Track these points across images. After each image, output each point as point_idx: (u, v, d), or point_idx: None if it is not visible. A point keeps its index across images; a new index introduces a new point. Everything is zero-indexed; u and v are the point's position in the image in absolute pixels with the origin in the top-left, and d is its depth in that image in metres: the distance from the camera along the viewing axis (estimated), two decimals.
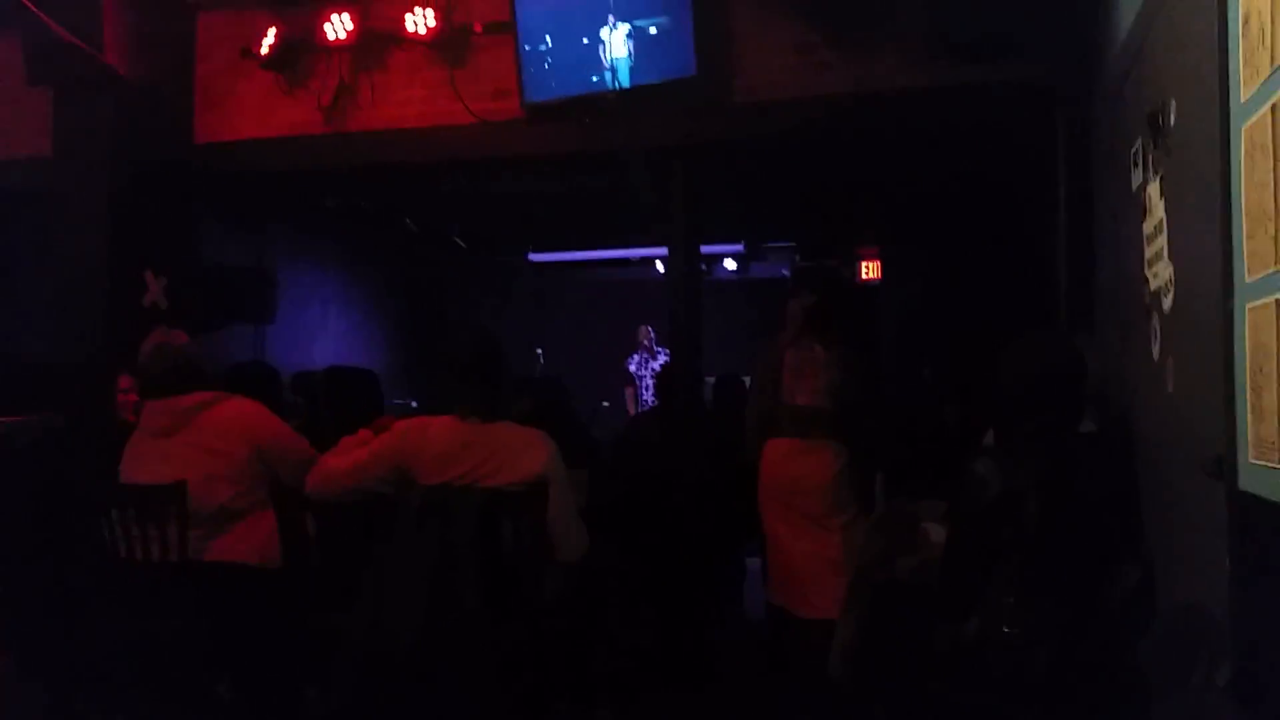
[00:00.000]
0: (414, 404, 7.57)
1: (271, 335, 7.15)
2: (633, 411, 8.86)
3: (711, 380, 5.68)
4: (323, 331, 8.32)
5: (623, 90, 4.61)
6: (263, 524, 3.28)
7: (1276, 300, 1.48)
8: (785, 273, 9.98)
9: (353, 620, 2.82)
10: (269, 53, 4.98)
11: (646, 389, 8.93)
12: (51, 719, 2.96)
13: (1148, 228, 2.64)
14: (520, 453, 2.93)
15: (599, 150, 4.90)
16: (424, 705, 2.71)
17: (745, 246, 9.61)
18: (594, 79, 4.65)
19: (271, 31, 4.96)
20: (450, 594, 2.70)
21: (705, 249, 9.20)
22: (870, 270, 8.53)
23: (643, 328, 9.11)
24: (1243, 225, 1.63)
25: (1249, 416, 1.60)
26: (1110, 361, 3.15)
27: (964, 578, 2.38)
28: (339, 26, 4.91)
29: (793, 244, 9.58)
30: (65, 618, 3.05)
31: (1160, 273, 2.47)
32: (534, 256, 9.71)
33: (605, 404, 9.26)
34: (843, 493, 3.78)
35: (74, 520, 3.22)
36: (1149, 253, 2.62)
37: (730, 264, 9.97)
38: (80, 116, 4.81)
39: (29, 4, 4.32)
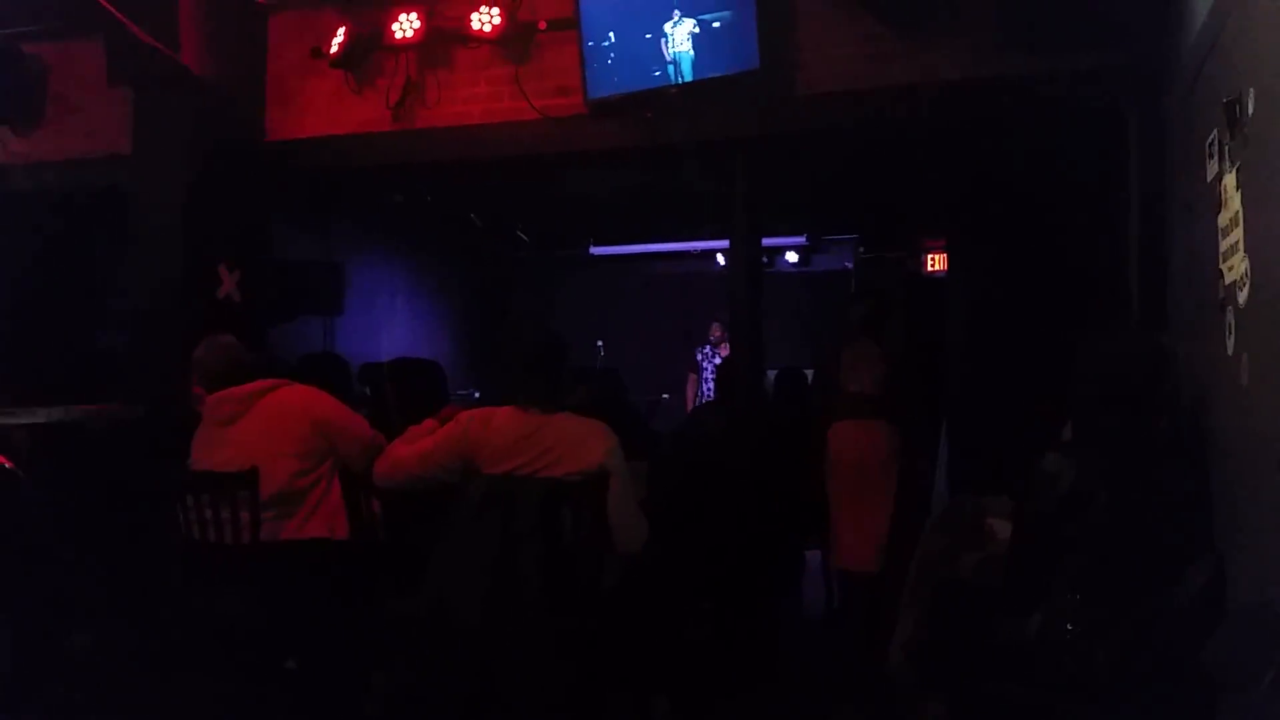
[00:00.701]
0: (477, 395, 7.68)
1: (341, 327, 7.31)
2: (692, 403, 8.90)
3: (773, 373, 5.66)
4: (390, 324, 8.47)
5: (685, 84, 4.61)
6: (329, 500, 3.39)
7: None
8: (848, 265, 9.91)
9: (416, 605, 2.88)
10: (338, 52, 5.07)
11: (707, 381, 9.00)
12: (127, 695, 3.07)
13: (1223, 220, 2.57)
14: (581, 444, 2.97)
15: (661, 145, 4.91)
16: (484, 691, 2.76)
17: (808, 239, 9.56)
18: (656, 73, 4.66)
19: (341, 31, 5.05)
20: (511, 582, 2.75)
21: (767, 241, 9.20)
22: (936, 263, 8.42)
23: (715, 323, 9.16)
24: None
25: None
26: (1182, 357, 3.07)
27: (1029, 574, 2.35)
28: (406, 25, 4.98)
29: (856, 236, 9.51)
30: (141, 599, 3.16)
31: (1236, 266, 2.41)
32: (595, 250, 9.77)
33: (666, 396, 9.30)
34: (892, 463, 4.51)
35: (150, 505, 3.33)
36: (1224, 245, 2.56)
37: (792, 256, 9.92)
38: (157, 115, 4.95)
39: (109, 6, 4.46)
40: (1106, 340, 2.54)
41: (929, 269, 8.45)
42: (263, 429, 3.35)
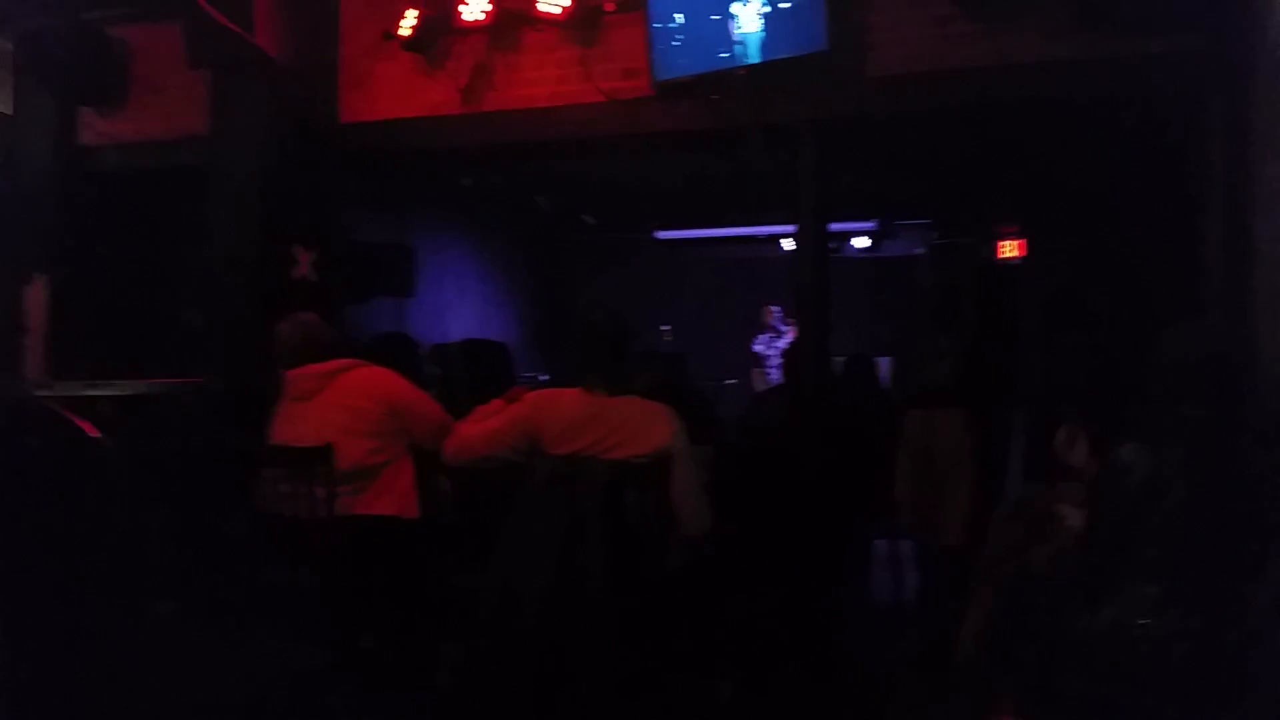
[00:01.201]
0: (543, 377, 7.74)
1: (411, 309, 7.42)
2: (759, 389, 8.82)
3: (841, 359, 5.61)
4: (459, 306, 8.58)
5: (753, 66, 4.58)
6: (402, 478, 3.46)
7: None
8: (919, 251, 9.76)
9: (484, 582, 2.93)
10: (409, 34, 5.12)
11: (773, 369, 8.86)
12: (206, 663, 3.17)
13: None
14: (646, 426, 2.98)
15: (727, 127, 4.88)
16: (550, 668, 2.80)
17: (878, 224, 9.43)
18: (723, 55, 4.63)
19: (411, 14, 5.10)
20: (575, 562, 2.78)
21: (836, 226, 9.08)
22: (1009, 249, 8.25)
23: (766, 307, 9.04)
24: None
25: None
26: (1264, 345, 2.98)
27: (1102, 566, 2.30)
28: (476, 8, 5.01)
29: (928, 222, 9.36)
30: (220, 570, 3.26)
31: None
32: (661, 234, 9.75)
33: (732, 381, 9.26)
34: (968, 452, 4.72)
35: (230, 478, 3.44)
36: None
37: (862, 241, 9.79)
38: (234, 97, 5.07)
39: None
40: (1185, 328, 2.47)
41: (1002, 255, 8.29)
42: (338, 407, 3.44)
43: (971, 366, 4.76)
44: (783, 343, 8.72)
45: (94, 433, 1.89)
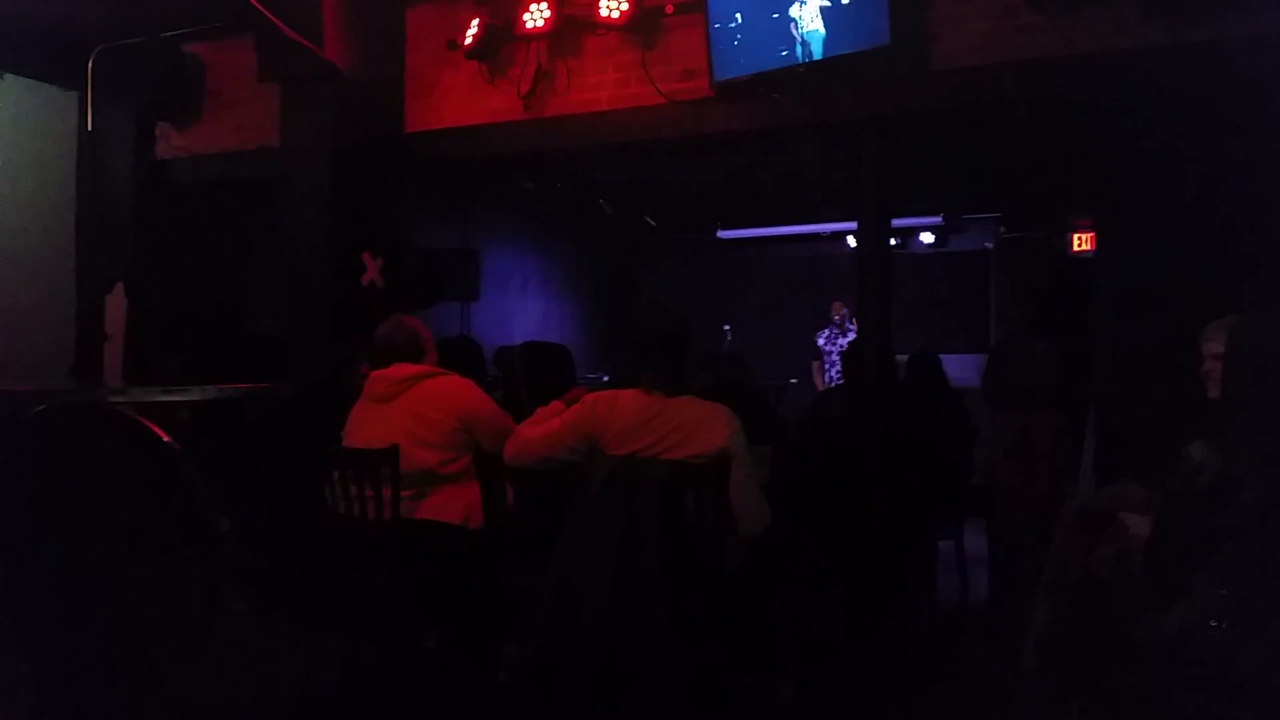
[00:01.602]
0: (605, 378, 7.79)
1: (476, 312, 7.54)
2: (820, 387, 8.74)
3: (904, 358, 5.54)
4: (522, 308, 8.68)
5: (813, 63, 4.54)
6: (468, 491, 3.51)
7: None
8: (988, 245, 9.58)
9: (544, 583, 2.96)
10: (472, 43, 5.20)
11: (833, 365, 8.75)
12: (278, 660, 3.25)
13: None
14: (703, 426, 2.98)
15: (789, 125, 4.85)
16: (609, 669, 2.81)
17: (944, 218, 9.29)
18: (784, 53, 4.61)
19: (475, 23, 5.18)
20: (634, 562, 2.79)
21: (901, 222, 8.98)
22: (1082, 242, 8.06)
23: (836, 302, 8.95)
24: None
25: None
26: None
27: (1171, 566, 2.24)
28: (537, 15, 5.07)
29: (997, 215, 9.19)
30: (292, 569, 3.35)
31: None
32: (723, 233, 9.73)
33: (794, 381, 9.19)
34: (1057, 445, 5.06)
35: (300, 480, 3.53)
36: None
37: (927, 237, 9.65)
38: (304, 109, 5.20)
39: (259, 6, 4.70)
40: (1258, 319, 2.38)
41: (1076, 249, 8.11)
42: (411, 415, 3.49)
43: (1068, 370, 5.11)
44: (845, 340, 8.62)
45: (165, 438, 1.96)
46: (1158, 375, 4.90)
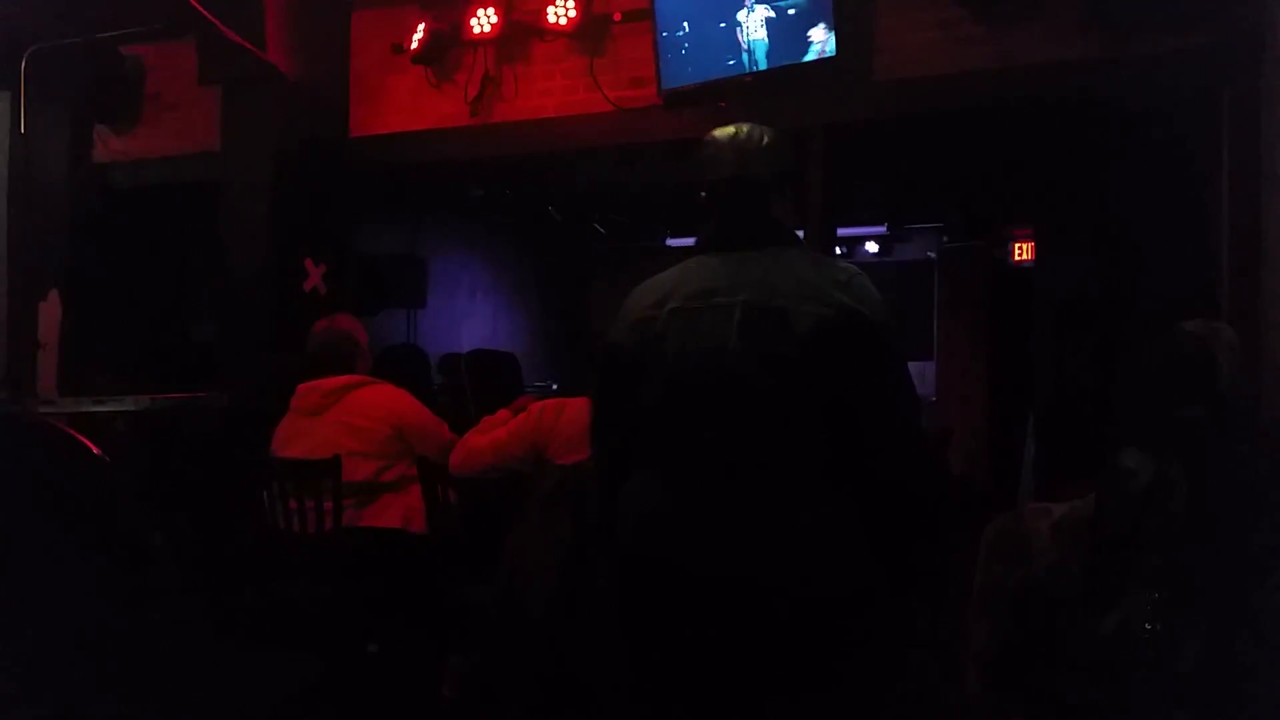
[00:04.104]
0: (554, 386, 7.75)
1: (422, 319, 7.46)
2: None
3: None
4: (470, 316, 8.61)
5: (760, 72, 4.58)
6: (408, 496, 3.46)
7: None
8: (931, 255, 9.72)
9: (489, 593, 2.93)
10: (418, 48, 5.16)
11: None
12: (209, 674, 3.18)
13: None
14: None
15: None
16: (554, 681, 2.79)
17: (888, 228, 9.40)
18: (731, 62, 4.63)
19: (421, 27, 5.14)
20: (581, 572, 2.78)
21: (846, 231, 9.07)
22: (1023, 251, 8.20)
23: None
24: None
25: None
26: (1270, 347, 2.95)
27: (1105, 572, 2.28)
28: (484, 20, 5.04)
29: (940, 225, 9.32)
30: (224, 582, 3.28)
31: None
32: (671, 241, 9.74)
33: None
34: None
35: (236, 492, 3.45)
36: None
37: (872, 246, 9.76)
38: (246, 113, 5.12)
39: (200, 8, 4.62)
40: (1178, 327, 2.44)
41: (1016, 258, 8.25)
42: (344, 426, 3.44)
43: None
44: None
45: (94, 449, 1.91)
46: (1096, 383, 5.01)
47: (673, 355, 1.88)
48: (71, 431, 1.93)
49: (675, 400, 1.86)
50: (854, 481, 1.77)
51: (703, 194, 2.06)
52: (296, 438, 3.49)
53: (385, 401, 3.51)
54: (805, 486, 1.76)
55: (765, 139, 2.04)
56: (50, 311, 5.52)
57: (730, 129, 2.04)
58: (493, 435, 3.16)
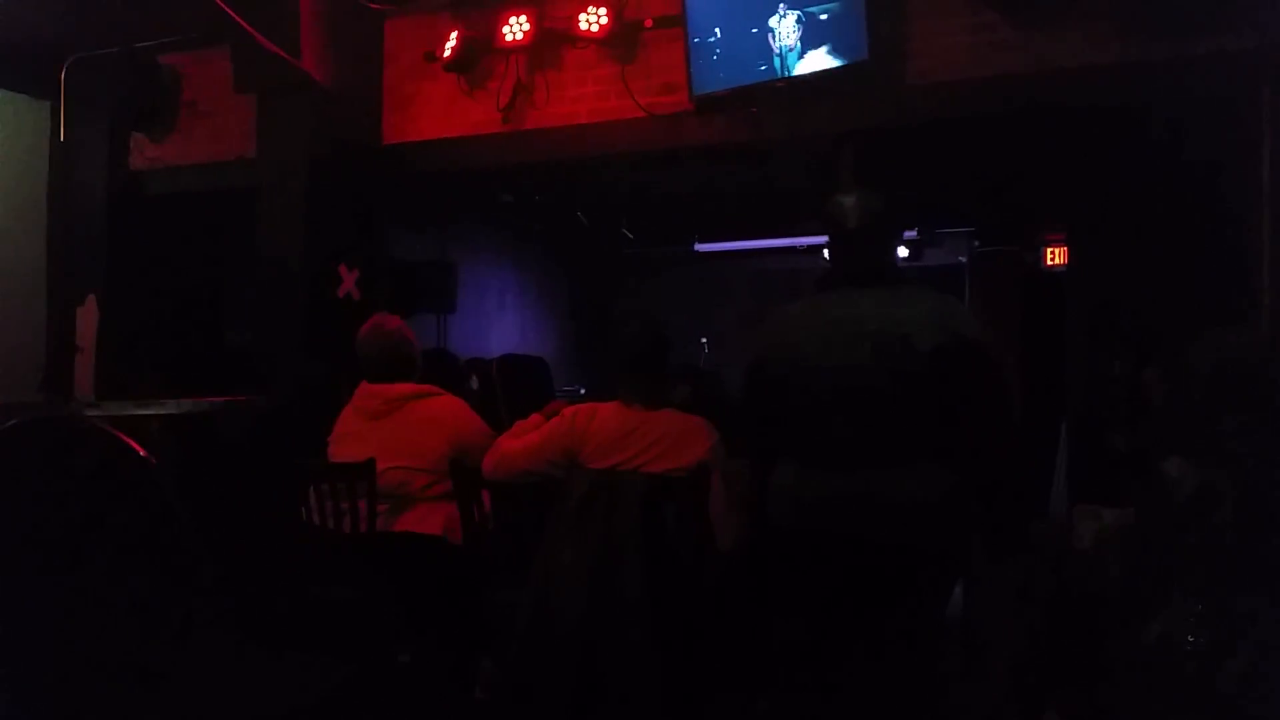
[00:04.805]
0: (582, 390, 7.77)
1: (453, 324, 7.49)
2: None
3: None
4: (499, 321, 8.65)
5: (791, 78, 4.57)
6: (448, 507, 3.46)
7: None
8: (962, 259, 9.66)
9: (521, 597, 2.94)
10: (450, 55, 5.19)
11: None
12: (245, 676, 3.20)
13: None
14: (684, 440, 2.98)
15: (768, 139, 4.87)
16: (587, 685, 2.79)
17: (919, 232, 9.35)
18: (762, 68, 4.63)
19: (453, 35, 5.17)
20: (614, 576, 2.78)
21: None
22: (1055, 256, 8.13)
23: None
24: None
25: None
26: None
27: (1148, 581, 2.26)
28: (516, 28, 5.06)
29: (971, 229, 9.25)
30: (263, 585, 3.30)
31: None
32: (700, 247, 9.74)
33: None
34: None
35: (275, 495, 3.48)
36: None
37: (902, 251, 9.70)
38: (280, 120, 5.17)
39: (236, 17, 4.68)
40: (1225, 337, 2.41)
41: (1049, 263, 8.17)
42: (403, 435, 3.43)
43: None
44: None
45: (141, 451, 1.93)
46: (1130, 391, 4.94)
47: (815, 371, 2.46)
48: (118, 434, 1.96)
49: (818, 407, 2.45)
50: (961, 467, 2.34)
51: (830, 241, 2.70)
52: (352, 438, 3.50)
53: (448, 418, 3.50)
54: (922, 471, 2.34)
55: (883, 201, 2.58)
56: (88, 316, 5.60)
57: (853, 193, 2.62)
58: (526, 440, 3.16)
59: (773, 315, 2.66)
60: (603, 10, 4.88)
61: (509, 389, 4.22)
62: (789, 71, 4.57)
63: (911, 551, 2.33)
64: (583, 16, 4.89)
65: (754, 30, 4.63)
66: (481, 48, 5.19)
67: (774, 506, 2.53)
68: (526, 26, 5.04)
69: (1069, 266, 7.71)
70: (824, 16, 4.47)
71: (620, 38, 4.95)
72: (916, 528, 2.33)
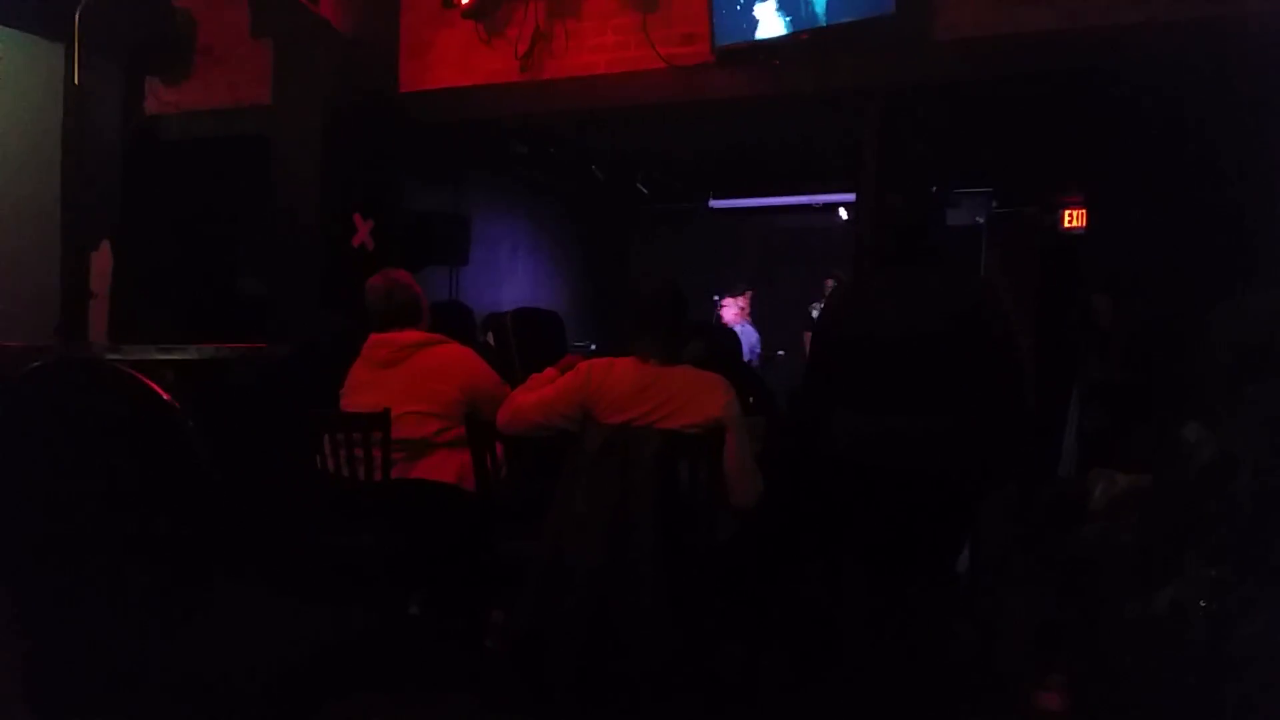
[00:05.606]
0: (593, 346, 7.77)
1: (465, 277, 7.48)
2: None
3: None
4: (511, 274, 8.63)
5: (817, 30, 4.50)
6: (462, 454, 3.48)
7: None
8: (980, 220, 9.57)
9: (535, 550, 2.95)
10: (469, 2, 5.12)
11: None
12: (263, 624, 3.24)
13: None
14: (699, 396, 2.97)
15: (791, 93, 4.81)
16: (599, 638, 2.82)
17: (937, 191, 9.25)
18: (787, 20, 4.56)
19: None
20: (627, 531, 2.79)
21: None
22: (1073, 218, 8.06)
23: (829, 280, 8.91)
24: None
25: None
26: None
27: (1161, 546, 2.25)
28: None
29: (989, 190, 9.16)
30: (284, 533, 3.33)
31: None
32: (715, 203, 9.67)
33: (780, 353, 9.18)
34: None
35: (289, 443, 3.50)
36: None
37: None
38: (297, 66, 5.13)
39: None
40: (1247, 301, 2.39)
41: (1066, 225, 8.10)
42: (414, 382, 3.45)
43: None
44: None
45: (166, 396, 1.94)
46: (1147, 355, 4.92)
47: (869, 331, 2.97)
48: (141, 376, 1.96)
49: (870, 361, 2.94)
50: (982, 410, 2.78)
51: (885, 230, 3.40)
52: (365, 387, 3.52)
53: (458, 364, 3.52)
54: (946, 416, 2.81)
55: (927, 196, 3.28)
56: (102, 261, 5.60)
57: (902, 194, 3.25)
58: (540, 393, 3.16)
59: (836, 289, 3.37)
60: None
61: (523, 342, 4.21)
62: (815, 23, 4.49)
63: (936, 478, 2.80)
64: None
65: None
66: None
67: (831, 443, 3.01)
68: None
69: (1087, 229, 7.65)
70: None
71: None
72: (939, 458, 2.80)
